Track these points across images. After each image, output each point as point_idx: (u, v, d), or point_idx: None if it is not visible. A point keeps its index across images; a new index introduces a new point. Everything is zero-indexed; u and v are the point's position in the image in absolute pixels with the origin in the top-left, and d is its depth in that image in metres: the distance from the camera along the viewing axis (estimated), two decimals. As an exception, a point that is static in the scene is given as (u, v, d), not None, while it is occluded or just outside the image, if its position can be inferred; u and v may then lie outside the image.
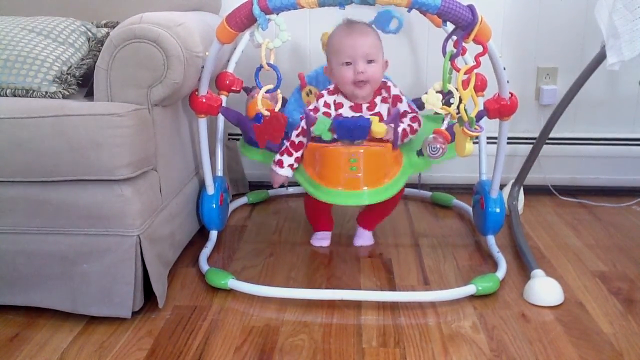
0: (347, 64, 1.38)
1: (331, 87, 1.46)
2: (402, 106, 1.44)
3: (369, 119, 1.32)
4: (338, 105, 1.45)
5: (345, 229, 1.75)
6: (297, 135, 1.41)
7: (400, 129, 1.38)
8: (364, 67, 1.37)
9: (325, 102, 1.44)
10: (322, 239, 1.65)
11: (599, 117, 2.00)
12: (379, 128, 1.30)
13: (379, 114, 1.44)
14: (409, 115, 1.44)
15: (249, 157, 1.56)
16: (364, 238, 1.64)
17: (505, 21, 1.93)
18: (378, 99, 1.45)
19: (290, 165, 1.42)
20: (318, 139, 1.35)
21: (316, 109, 1.44)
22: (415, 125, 1.44)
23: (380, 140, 1.34)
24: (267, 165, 1.48)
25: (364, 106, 1.44)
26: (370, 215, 1.64)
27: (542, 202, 1.97)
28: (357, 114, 1.44)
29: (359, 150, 1.31)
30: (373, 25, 1.50)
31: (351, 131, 1.31)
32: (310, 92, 1.65)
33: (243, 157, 2.05)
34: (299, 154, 1.42)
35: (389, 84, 1.46)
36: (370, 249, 1.63)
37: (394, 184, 1.35)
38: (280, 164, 1.42)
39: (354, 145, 1.32)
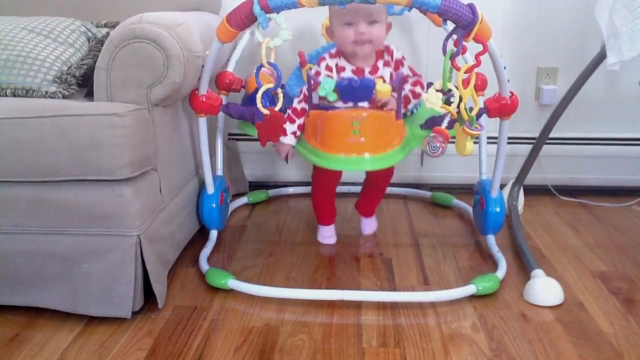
0: (349, 24, 1.35)
1: (333, 50, 1.44)
2: (404, 70, 1.42)
3: (372, 79, 1.31)
4: (340, 69, 1.42)
5: (345, 229, 1.75)
6: (299, 102, 1.40)
7: (402, 95, 1.36)
8: (366, 28, 1.34)
9: (327, 65, 1.42)
10: (328, 237, 1.66)
11: (599, 117, 2.00)
12: (383, 88, 1.29)
13: (381, 78, 1.42)
14: (411, 80, 1.43)
15: (248, 133, 1.52)
16: (370, 225, 1.71)
17: (505, 21, 1.93)
18: (380, 63, 1.43)
19: (294, 133, 1.40)
20: (319, 107, 1.34)
21: (318, 73, 1.41)
22: (417, 89, 1.42)
23: (383, 108, 1.34)
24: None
25: (367, 70, 1.42)
26: (366, 201, 1.68)
27: (542, 202, 1.96)
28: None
29: (361, 113, 1.30)
30: None
31: (355, 91, 1.30)
32: (311, 69, 1.64)
33: (243, 157, 2.05)
34: (301, 120, 1.40)
35: (392, 47, 1.43)
36: (370, 248, 1.63)
37: (396, 153, 1.33)
38: (283, 132, 1.40)
39: (358, 108, 1.31)
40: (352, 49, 1.38)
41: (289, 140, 1.40)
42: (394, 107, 1.35)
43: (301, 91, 1.41)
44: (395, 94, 1.34)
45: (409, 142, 1.37)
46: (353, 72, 1.42)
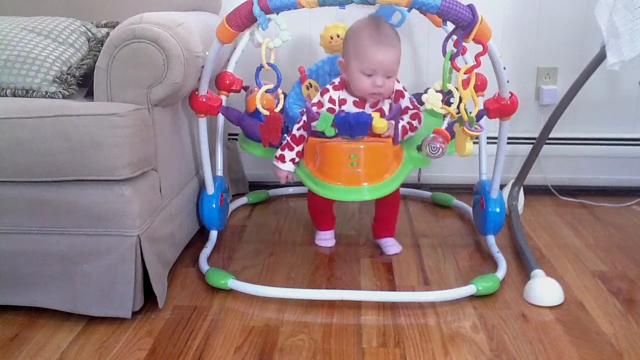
0: (368, 75, 1.36)
1: (336, 81, 1.45)
2: (404, 102, 1.43)
3: (370, 115, 1.32)
4: (342, 102, 1.44)
5: (346, 229, 1.75)
6: (298, 129, 1.41)
7: (400, 126, 1.38)
8: (382, 82, 1.36)
9: (330, 97, 1.43)
10: (326, 239, 1.65)
11: (599, 117, 2.00)
12: (380, 124, 1.30)
13: (381, 110, 1.43)
14: (410, 112, 1.44)
15: (249, 152, 1.56)
16: (392, 246, 1.60)
17: (505, 21, 1.93)
18: None
19: (292, 160, 1.42)
20: (319, 134, 1.35)
21: (320, 104, 1.43)
22: (415, 123, 1.43)
23: (380, 136, 1.34)
24: (268, 161, 1.48)
25: (368, 102, 1.44)
26: (382, 224, 1.62)
27: (542, 202, 1.97)
28: (360, 110, 1.43)
29: (359, 145, 1.31)
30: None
31: (352, 127, 1.31)
32: (310, 85, 1.64)
33: (243, 157, 2.05)
34: (300, 147, 1.42)
35: None
36: (372, 249, 1.62)
37: (393, 179, 1.35)
38: (282, 158, 1.42)
39: (355, 140, 1.32)
40: (365, 96, 1.41)
41: (287, 167, 1.42)
42: (392, 134, 1.36)
43: (302, 113, 1.41)
44: (393, 122, 1.35)
45: (406, 165, 1.38)
46: (354, 103, 1.43)
